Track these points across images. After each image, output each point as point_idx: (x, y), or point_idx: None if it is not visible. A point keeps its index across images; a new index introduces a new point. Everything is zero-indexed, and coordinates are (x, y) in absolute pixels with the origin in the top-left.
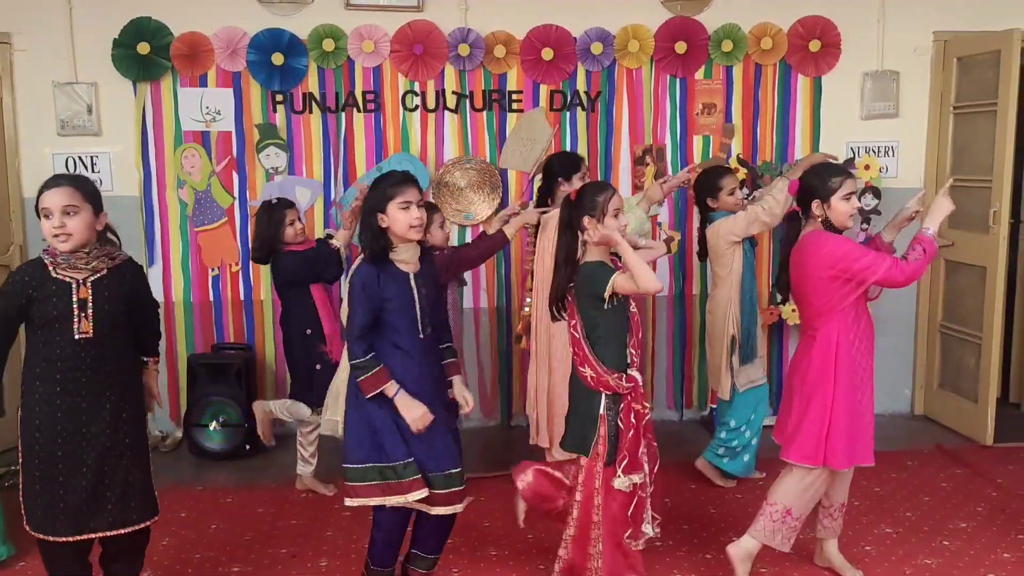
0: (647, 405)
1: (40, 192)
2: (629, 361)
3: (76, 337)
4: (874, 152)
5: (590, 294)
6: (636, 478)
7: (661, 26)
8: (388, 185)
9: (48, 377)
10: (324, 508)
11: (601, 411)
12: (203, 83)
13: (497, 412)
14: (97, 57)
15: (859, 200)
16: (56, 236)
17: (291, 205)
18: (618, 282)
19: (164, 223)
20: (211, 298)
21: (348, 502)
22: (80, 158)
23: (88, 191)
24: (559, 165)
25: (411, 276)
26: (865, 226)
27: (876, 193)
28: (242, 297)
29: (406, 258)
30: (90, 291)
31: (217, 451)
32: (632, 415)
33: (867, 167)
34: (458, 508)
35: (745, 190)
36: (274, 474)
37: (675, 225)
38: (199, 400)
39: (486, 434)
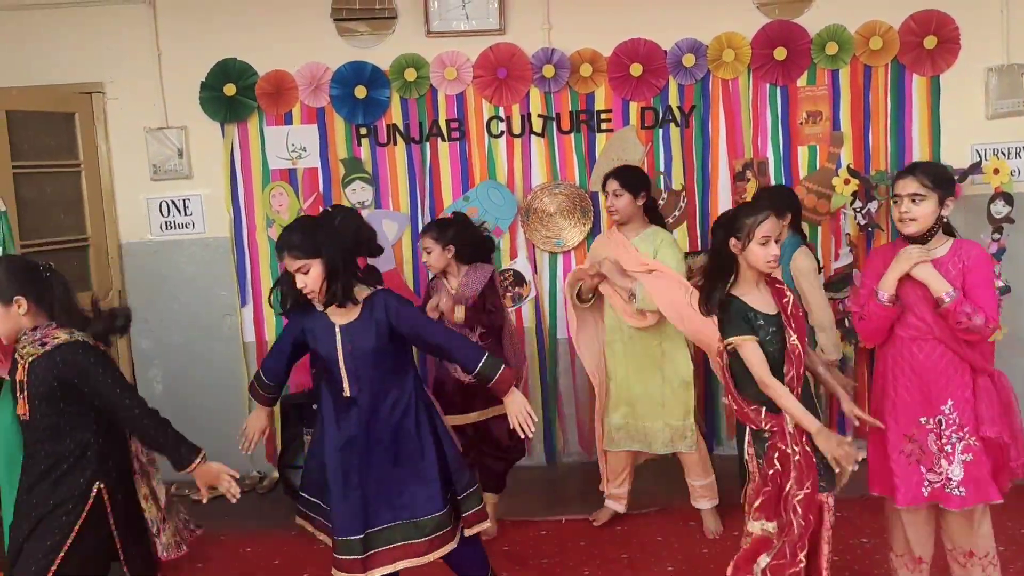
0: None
1: None
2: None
3: (20, 420)
4: (1003, 154)
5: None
6: (770, 526)
7: (757, 32)
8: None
9: None
10: None
11: (749, 447)
12: (288, 120)
13: (540, 450)
14: (186, 101)
15: (989, 207)
16: None
17: None
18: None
19: (255, 263)
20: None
21: None
22: (173, 202)
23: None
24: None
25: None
26: (997, 236)
27: (1008, 199)
28: None
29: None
30: (25, 373)
31: None
32: (775, 455)
33: (996, 171)
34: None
35: (858, 203)
36: None
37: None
38: (293, 441)
39: (530, 474)
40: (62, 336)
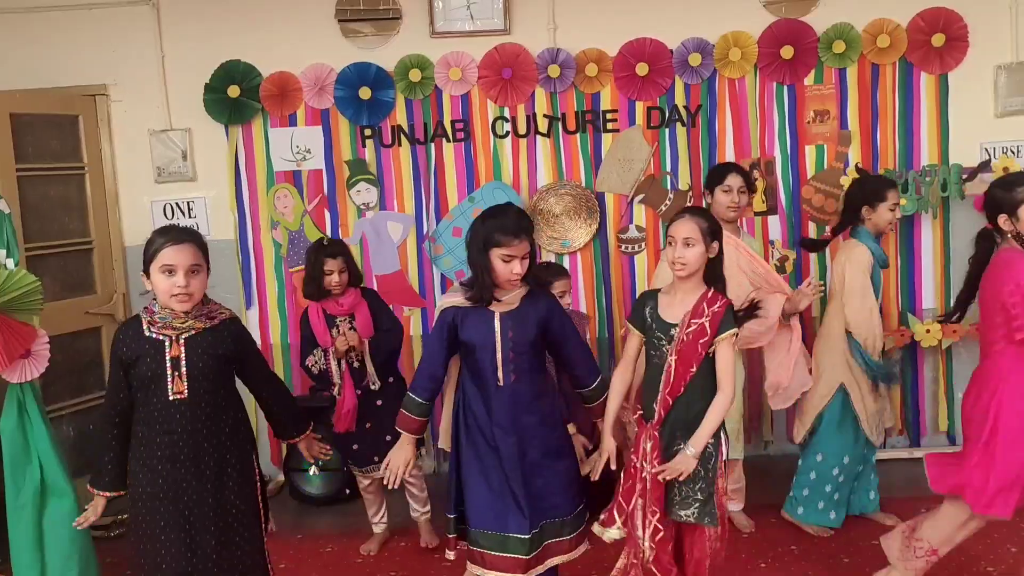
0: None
1: (160, 247)
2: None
3: (170, 398)
4: (1012, 152)
5: None
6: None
7: (764, 31)
8: None
9: (147, 440)
10: (423, 559)
11: None
12: (292, 122)
13: None
14: (190, 103)
15: None
16: (176, 295)
17: (337, 253)
18: None
19: (260, 265)
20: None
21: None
22: (177, 204)
23: (205, 249)
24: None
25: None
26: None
27: None
28: None
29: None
30: (183, 349)
31: (317, 496)
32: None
33: (1006, 169)
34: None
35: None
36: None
37: (788, 243)
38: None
39: None
40: (226, 311)
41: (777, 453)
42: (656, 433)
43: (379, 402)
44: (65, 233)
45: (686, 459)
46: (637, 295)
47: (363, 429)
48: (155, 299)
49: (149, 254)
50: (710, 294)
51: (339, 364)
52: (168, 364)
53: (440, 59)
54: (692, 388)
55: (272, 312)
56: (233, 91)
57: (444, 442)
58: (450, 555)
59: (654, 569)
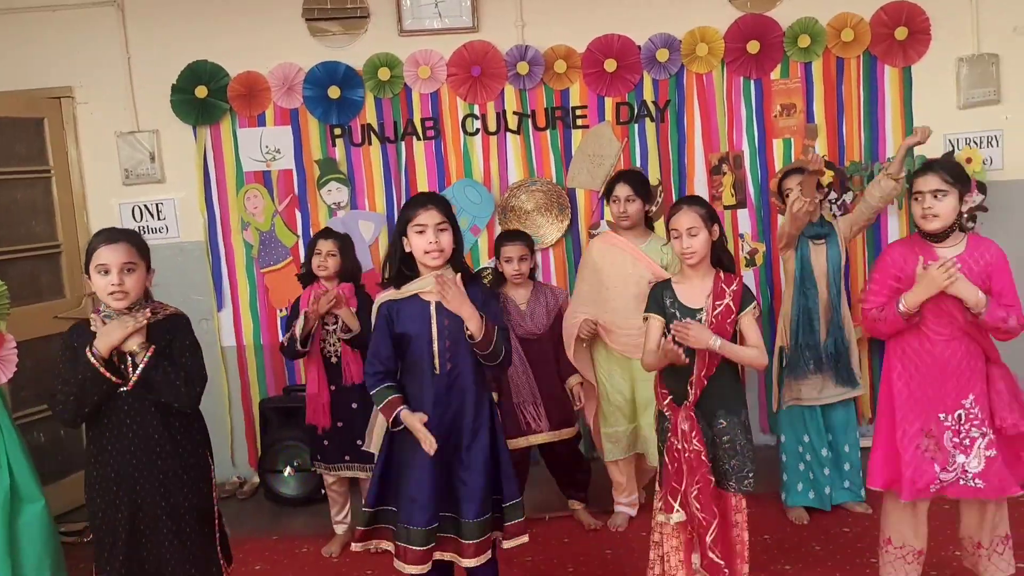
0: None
1: (95, 247)
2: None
3: (119, 391)
4: (975, 143)
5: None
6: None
7: (731, 26)
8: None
9: (101, 429)
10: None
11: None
12: (261, 122)
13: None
14: (157, 104)
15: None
16: (112, 294)
17: (331, 236)
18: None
19: (231, 266)
20: (281, 339)
21: None
22: (146, 206)
23: (143, 247)
24: None
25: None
26: (971, 224)
27: (981, 188)
28: None
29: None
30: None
31: (292, 497)
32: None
33: (969, 160)
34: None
35: (833, 194)
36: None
37: (758, 236)
38: (272, 445)
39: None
40: (173, 309)
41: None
42: (692, 413)
43: (354, 404)
44: (32, 237)
45: (708, 335)
46: None
47: (335, 427)
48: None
49: (87, 255)
50: (723, 276)
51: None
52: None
53: (409, 57)
54: (722, 366)
55: (244, 313)
56: (200, 91)
57: (376, 446)
58: (356, 547)
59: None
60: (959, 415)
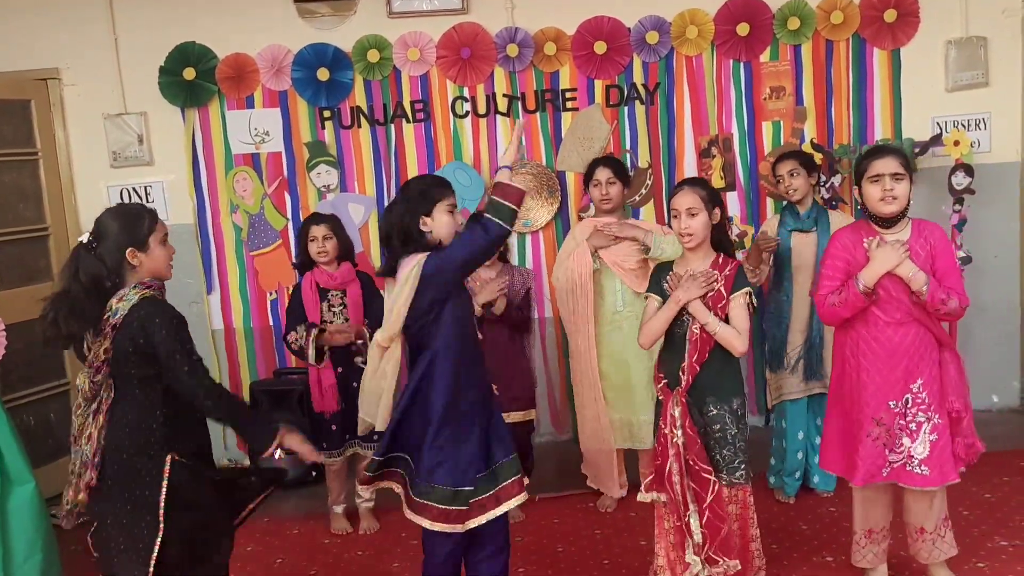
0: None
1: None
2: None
3: None
4: (963, 126)
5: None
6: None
7: (720, 8)
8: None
9: None
10: (389, 539)
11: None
12: (250, 104)
13: (568, 426)
14: (145, 86)
15: (950, 179)
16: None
17: (322, 220)
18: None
19: (220, 249)
20: (271, 323)
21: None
22: (134, 188)
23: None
24: None
25: None
26: (958, 207)
27: (968, 171)
28: None
29: None
30: None
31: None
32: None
33: (957, 143)
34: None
35: (822, 177)
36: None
37: (747, 219)
38: None
39: (559, 450)
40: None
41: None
42: (684, 400)
43: (355, 384)
44: (19, 220)
45: (703, 310)
46: None
47: (341, 410)
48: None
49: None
50: (720, 259)
51: (317, 349)
52: None
53: (398, 39)
54: (715, 352)
55: (234, 296)
56: (189, 73)
57: (383, 424)
58: (362, 490)
59: (706, 531)
60: (906, 399)
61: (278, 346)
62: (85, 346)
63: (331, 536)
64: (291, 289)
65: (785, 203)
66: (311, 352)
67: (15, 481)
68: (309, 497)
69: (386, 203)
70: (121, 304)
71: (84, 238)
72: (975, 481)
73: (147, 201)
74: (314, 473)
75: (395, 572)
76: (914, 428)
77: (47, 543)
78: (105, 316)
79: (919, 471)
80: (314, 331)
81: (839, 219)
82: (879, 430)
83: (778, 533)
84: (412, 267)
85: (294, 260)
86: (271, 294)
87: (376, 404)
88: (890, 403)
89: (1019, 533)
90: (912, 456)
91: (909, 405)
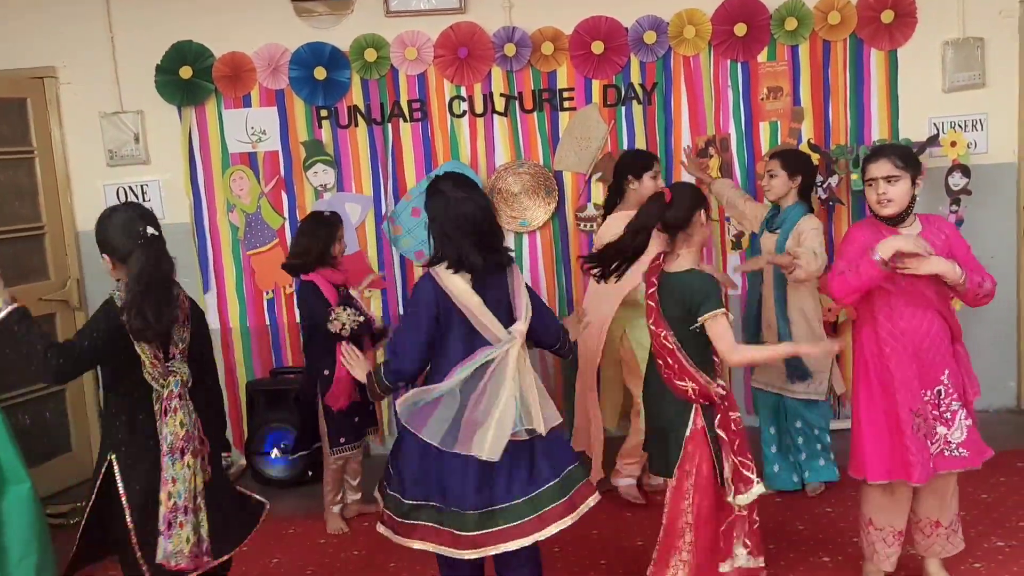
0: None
1: None
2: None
3: None
4: (960, 127)
5: (690, 308)
6: (758, 489)
7: (718, 8)
8: None
9: None
10: (386, 539)
11: (699, 424)
12: (247, 103)
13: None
14: (141, 85)
15: (947, 179)
16: None
17: (341, 221)
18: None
19: (216, 248)
20: (267, 322)
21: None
22: (131, 188)
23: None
24: (630, 163)
25: None
26: (955, 208)
27: (965, 171)
28: (298, 319)
29: None
30: None
31: (280, 479)
32: (732, 424)
33: (953, 143)
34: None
35: (819, 177)
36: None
37: None
38: (259, 427)
39: None
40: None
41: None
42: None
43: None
44: (16, 218)
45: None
46: None
47: (356, 402)
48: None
49: None
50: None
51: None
52: None
53: (396, 38)
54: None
55: (230, 296)
56: (185, 72)
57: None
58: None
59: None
60: (939, 391)
61: (275, 344)
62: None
63: (327, 535)
64: (296, 291)
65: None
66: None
67: (10, 481)
68: (305, 496)
69: (383, 202)
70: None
71: (152, 231)
72: (972, 481)
73: (143, 200)
74: (310, 473)
75: (392, 572)
76: (949, 416)
77: (42, 543)
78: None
79: (958, 454)
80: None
81: (807, 223)
82: (919, 421)
83: (774, 532)
84: None
85: (295, 259)
86: (267, 293)
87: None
88: (922, 392)
89: (1016, 533)
90: (949, 441)
91: (943, 396)
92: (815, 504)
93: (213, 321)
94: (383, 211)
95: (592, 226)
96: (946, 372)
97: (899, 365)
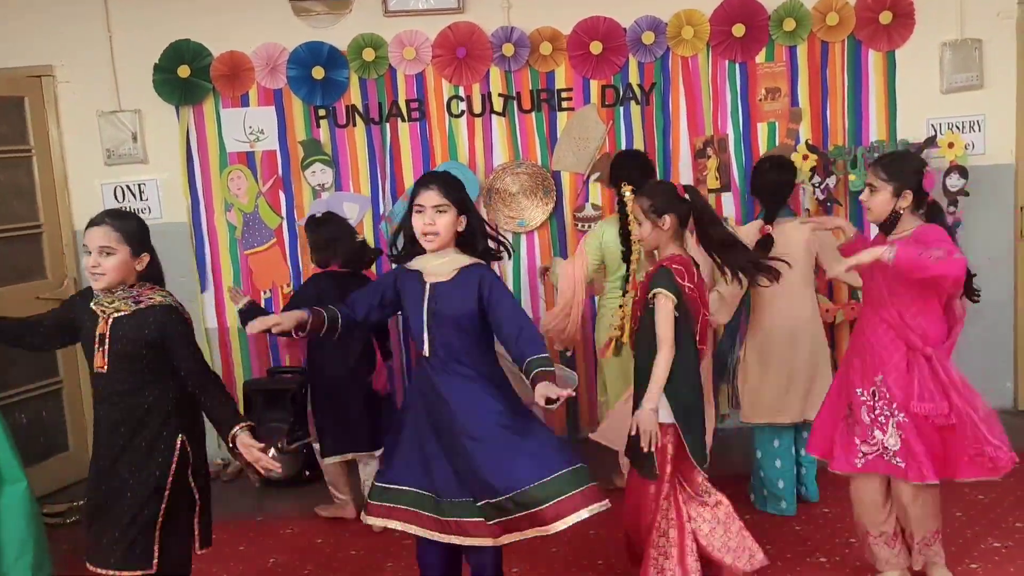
0: None
1: (86, 227)
2: None
3: (95, 369)
4: (958, 128)
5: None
6: None
7: (716, 9)
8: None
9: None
10: (383, 539)
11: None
12: (245, 103)
13: (563, 424)
14: (139, 84)
15: (945, 181)
16: (91, 273)
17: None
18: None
19: (214, 248)
20: None
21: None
22: (128, 187)
23: (129, 231)
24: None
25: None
26: (952, 208)
27: (963, 172)
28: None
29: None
30: (108, 327)
31: (277, 478)
32: None
33: (951, 145)
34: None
35: (817, 178)
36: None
37: (742, 219)
38: (256, 427)
39: None
40: (157, 298)
41: (732, 426)
42: None
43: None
44: (13, 217)
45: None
46: None
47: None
48: None
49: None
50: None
51: None
52: (95, 338)
53: (394, 38)
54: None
55: (228, 295)
56: (183, 71)
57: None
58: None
59: None
60: (873, 391)
61: (272, 345)
62: None
63: (324, 535)
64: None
65: None
66: None
67: (7, 480)
68: (303, 496)
69: (381, 202)
70: None
71: None
72: (970, 482)
73: (141, 199)
74: (307, 473)
75: (389, 572)
76: (883, 421)
77: (38, 542)
78: None
79: (895, 462)
80: None
81: (790, 225)
82: (850, 414)
83: (772, 534)
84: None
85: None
86: (265, 293)
87: None
88: (857, 389)
89: (1012, 534)
90: (886, 447)
91: (876, 399)
92: (812, 504)
93: (211, 320)
94: (381, 211)
95: (590, 226)
96: (880, 376)
97: (852, 358)
